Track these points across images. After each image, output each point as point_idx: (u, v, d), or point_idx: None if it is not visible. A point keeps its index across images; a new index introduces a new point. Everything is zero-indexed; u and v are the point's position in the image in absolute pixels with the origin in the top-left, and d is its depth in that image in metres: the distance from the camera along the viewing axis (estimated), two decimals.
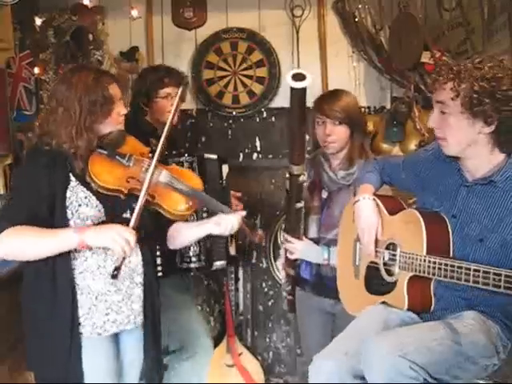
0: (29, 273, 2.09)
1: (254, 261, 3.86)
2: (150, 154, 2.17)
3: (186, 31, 3.78)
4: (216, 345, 3.74)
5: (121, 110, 2.15)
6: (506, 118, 1.83)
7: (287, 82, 2.22)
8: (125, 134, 2.18)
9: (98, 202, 2.07)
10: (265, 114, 3.80)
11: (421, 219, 1.97)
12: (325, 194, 2.66)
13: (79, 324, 2.05)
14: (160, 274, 2.71)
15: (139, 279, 2.17)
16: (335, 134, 2.58)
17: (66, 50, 3.47)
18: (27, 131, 3.12)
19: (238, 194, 3.05)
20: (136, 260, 2.16)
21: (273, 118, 3.80)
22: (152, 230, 2.22)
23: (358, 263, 2.30)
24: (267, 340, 3.92)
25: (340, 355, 1.97)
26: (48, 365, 2.08)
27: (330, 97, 2.67)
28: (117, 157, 2.09)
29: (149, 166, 2.10)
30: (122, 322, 2.12)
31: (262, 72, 3.77)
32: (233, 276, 3.75)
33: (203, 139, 3.82)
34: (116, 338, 2.16)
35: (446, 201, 2.01)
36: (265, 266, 3.85)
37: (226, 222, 2.16)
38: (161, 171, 2.12)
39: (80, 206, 2.05)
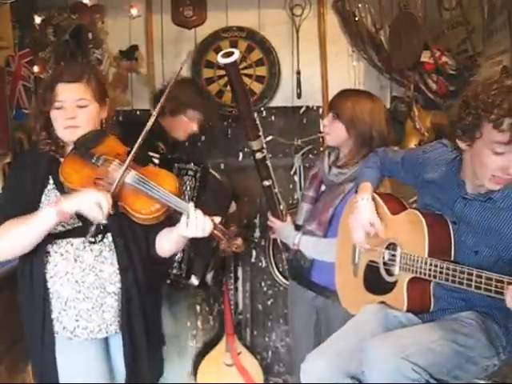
0: (18, 273, 2.15)
1: (253, 260, 3.86)
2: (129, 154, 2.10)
3: (185, 30, 3.77)
4: (215, 344, 3.75)
5: (66, 114, 2.07)
6: None
7: (218, 61, 2.31)
8: (103, 133, 2.15)
9: None
10: (264, 113, 3.79)
11: (423, 221, 1.97)
12: (323, 187, 2.67)
13: (52, 325, 2.08)
14: None
15: (112, 288, 2.13)
16: (329, 127, 2.59)
17: (66, 49, 3.46)
18: (26, 130, 3.12)
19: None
20: (110, 269, 2.12)
21: (272, 117, 3.79)
22: (135, 235, 2.17)
23: (358, 261, 2.30)
24: (266, 339, 3.92)
25: (332, 355, 1.98)
26: (33, 359, 2.21)
27: (345, 92, 2.67)
28: (86, 156, 2.05)
29: (118, 166, 2.03)
30: (93, 330, 2.10)
31: (261, 71, 3.76)
32: (232, 275, 3.75)
33: (203, 138, 3.82)
34: (105, 339, 2.16)
35: (446, 206, 2.00)
36: (264, 265, 3.84)
37: (196, 222, 1.99)
38: (129, 172, 2.03)
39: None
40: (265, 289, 3.90)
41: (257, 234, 3.79)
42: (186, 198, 2.93)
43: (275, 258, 3.77)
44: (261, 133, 2.58)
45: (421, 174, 2.13)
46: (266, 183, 2.69)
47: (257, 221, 3.79)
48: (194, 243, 2.43)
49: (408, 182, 2.26)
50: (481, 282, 1.72)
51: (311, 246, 2.60)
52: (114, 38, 3.68)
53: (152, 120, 2.08)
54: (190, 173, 2.95)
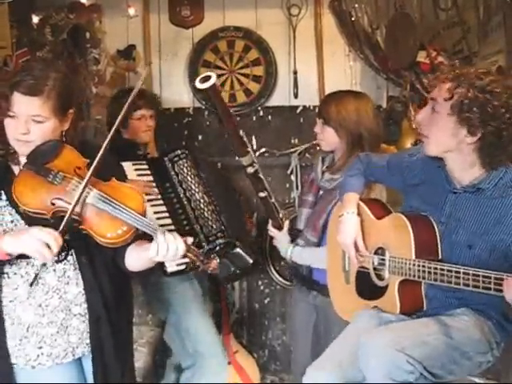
0: None
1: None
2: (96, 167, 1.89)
3: (183, 30, 3.78)
4: None
5: (18, 127, 1.86)
6: (490, 133, 1.81)
7: (196, 86, 2.29)
8: (59, 145, 1.93)
9: (26, 226, 1.88)
10: (261, 113, 3.80)
11: (408, 223, 1.97)
12: (321, 192, 2.68)
13: (8, 357, 1.92)
14: (182, 267, 2.77)
15: (78, 310, 1.98)
16: (322, 134, 2.60)
17: (63, 48, 3.47)
18: None
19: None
20: (75, 290, 1.98)
21: (269, 117, 3.81)
22: (101, 252, 1.99)
23: (348, 268, 2.30)
24: (263, 338, 3.93)
25: (334, 366, 1.99)
26: None
27: (329, 96, 2.70)
28: (42, 172, 1.83)
29: (76, 185, 1.83)
30: (59, 355, 1.96)
31: (258, 71, 3.77)
32: None
33: (200, 138, 3.83)
34: (78, 362, 2.03)
35: (434, 207, 2.01)
36: (261, 264, 3.86)
37: (166, 246, 1.80)
38: (90, 191, 1.83)
39: (5, 231, 1.88)
40: (261, 288, 3.91)
41: (254, 232, 3.79)
42: (189, 178, 3.02)
43: (272, 257, 3.78)
44: (249, 148, 2.58)
45: (408, 176, 2.14)
46: (262, 194, 2.68)
47: (254, 220, 3.80)
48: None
49: (394, 185, 2.28)
50: (468, 279, 1.73)
51: (304, 257, 2.63)
52: (111, 37, 3.69)
53: (110, 134, 1.90)
54: (182, 156, 3.02)
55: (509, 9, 2.80)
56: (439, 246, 1.96)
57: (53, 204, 1.83)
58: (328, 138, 2.58)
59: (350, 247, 2.17)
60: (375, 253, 2.14)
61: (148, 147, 3.11)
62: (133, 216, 1.81)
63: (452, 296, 1.97)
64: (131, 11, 3.56)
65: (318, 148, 3.55)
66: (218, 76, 3.75)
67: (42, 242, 1.74)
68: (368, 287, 2.18)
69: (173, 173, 2.99)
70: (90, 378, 2.05)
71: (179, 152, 3.03)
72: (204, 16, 3.77)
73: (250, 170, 2.61)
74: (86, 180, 1.81)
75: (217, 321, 3.81)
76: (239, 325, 3.89)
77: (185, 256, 1.83)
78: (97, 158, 1.84)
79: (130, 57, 3.69)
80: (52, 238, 1.75)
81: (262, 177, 2.65)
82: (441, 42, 3.21)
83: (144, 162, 2.93)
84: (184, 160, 3.03)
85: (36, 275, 1.81)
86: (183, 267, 2.81)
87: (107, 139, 1.87)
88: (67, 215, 1.79)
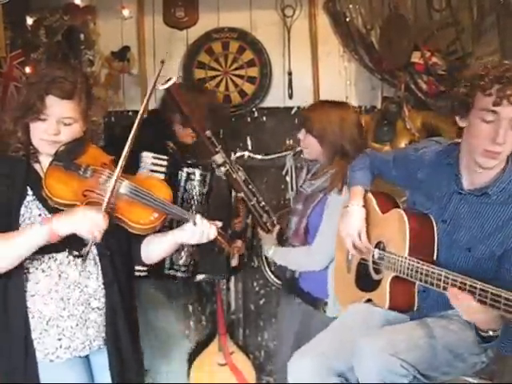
0: None
1: (245, 260, 3.87)
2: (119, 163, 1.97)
3: (177, 31, 3.79)
4: (208, 344, 3.76)
5: (49, 128, 1.94)
6: None
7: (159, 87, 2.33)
8: (84, 142, 2.03)
9: None
10: (256, 114, 3.81)
11: (406, 220, 1.98)
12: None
13: (34, 350, 1.94)
14: (144, 273, 2.76)
15: (96, 304, 2.03)
16: (304, 142, 2.61)
17: (58, 50, 3.47)
18: None
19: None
20: (95, 284, 2.03)
21: (264, 118, 3.81)
22: (120, 247, 2.09)
23: (351, 258, 2.33)
24: (259, 339, 3.93)
25: (316, 354, 2.02)
26: None
27: (313, 105, 2.71)
28: (72, 168, 1.93)
29: (108, 177, 1.94)
30: (77, 348, 2.00)
31: (253, 72, 3.77)
32: None
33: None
34: (87, 358, 2.06)
35: (438, 204, 2.00)
36: (256, 265, 3.86)
37: (198, 231, 2.00)
38: (122, 182, 1.95)
39: (32, 224, 1.91)
40: (257, 288, 3.91)
41: (249, 234, 3.79)
42: (195, 202, 2.93)
43: (267, 258, 3.78)
44: (218, 149, 2.68)
45: (413, 171, 2.12)
46: (239, 195, 2.76)
47: (249, 221, 3.80)
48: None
49: (399, 181, 2.27)
50: (447, 283, 1.72)
51: (282, 258, 2.70)
52: (105, 39, 3.69)
53: (135, 127, 1.97)
54: (199, 178, 2.91)
55: (502, 9, 2.81)
56: (435, 249, 1.96)
57: (84, 196, 1.92)
58: (311, 146, 2.60)
59: (352, 238, 2.18)
60: (376, 246, 2.15)
61: None
62: (163, 203, 1.98)
63: (446, 296, 1.97)
64: (125, 13, 3.56)
65: None
66: (213, 77, 3.77)
67: (93, 221, 1.84)
68: (365, 279, 2.20)
69: (182, 189, 2.91)
70: (98, 375, 2.09)
71: (202, 172, 2.91)
72: (198, 17, 3.77)
73: (223, 169, 2.71)
74: (118, 169, 1.92)
75: (212, 322, 3.83)
76: (235, 326, 3.90)
77: (215, 238, 2.02)
78: (124, 152, 1.94)
79: (125, 58, 3.69)
80: (101, 217, 1.85)
81: (236, 177, 2.71)
82: (435, 43, 3.22)
83: (165, 158, 2.87)
84: (199, 182, 2.91)
85: (85, 251, 1.90)
86: (143, 274, 2.81)
87: (132, 132, 1.95)
88: (106, 201, 1.89)
